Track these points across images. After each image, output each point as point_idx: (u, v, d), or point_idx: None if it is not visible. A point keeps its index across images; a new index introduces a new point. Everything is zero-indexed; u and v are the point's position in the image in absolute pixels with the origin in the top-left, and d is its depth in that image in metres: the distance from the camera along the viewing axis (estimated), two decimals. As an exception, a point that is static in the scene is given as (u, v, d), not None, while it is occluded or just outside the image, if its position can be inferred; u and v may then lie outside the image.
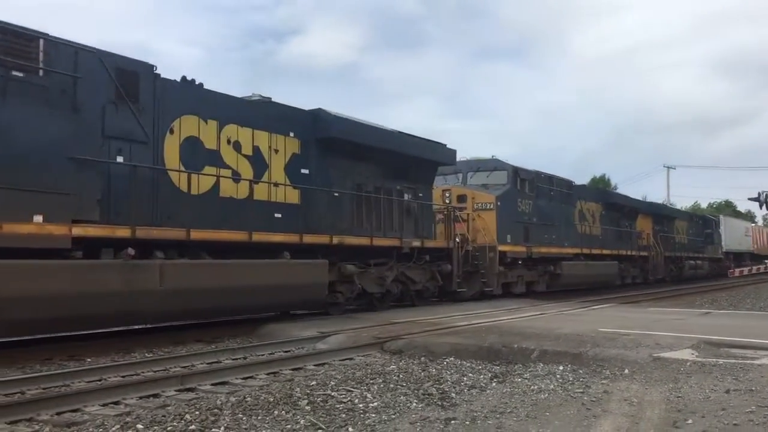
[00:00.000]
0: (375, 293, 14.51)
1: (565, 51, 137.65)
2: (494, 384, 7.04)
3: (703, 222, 40.84)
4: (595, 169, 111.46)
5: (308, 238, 12.50)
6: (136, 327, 11.09)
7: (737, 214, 70.25)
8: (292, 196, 12.61)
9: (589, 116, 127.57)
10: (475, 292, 17.93)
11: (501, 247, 18.76)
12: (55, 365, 8.35)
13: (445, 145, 17.19)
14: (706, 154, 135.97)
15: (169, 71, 10.94)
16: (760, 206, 18.45)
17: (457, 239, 17.33)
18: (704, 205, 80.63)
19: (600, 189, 27.49)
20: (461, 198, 19.34)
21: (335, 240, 13.09)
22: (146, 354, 9.29)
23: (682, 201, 72.54)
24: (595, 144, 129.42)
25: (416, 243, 15.55)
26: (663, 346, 8.69)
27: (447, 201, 18.72)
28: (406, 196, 15.92)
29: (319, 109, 13.55)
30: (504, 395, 6.40)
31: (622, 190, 54.54)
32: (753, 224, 57.26)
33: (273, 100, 12.79)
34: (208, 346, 10.07)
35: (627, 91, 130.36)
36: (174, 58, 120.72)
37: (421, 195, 16.52)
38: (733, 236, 44.86)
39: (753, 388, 6.41)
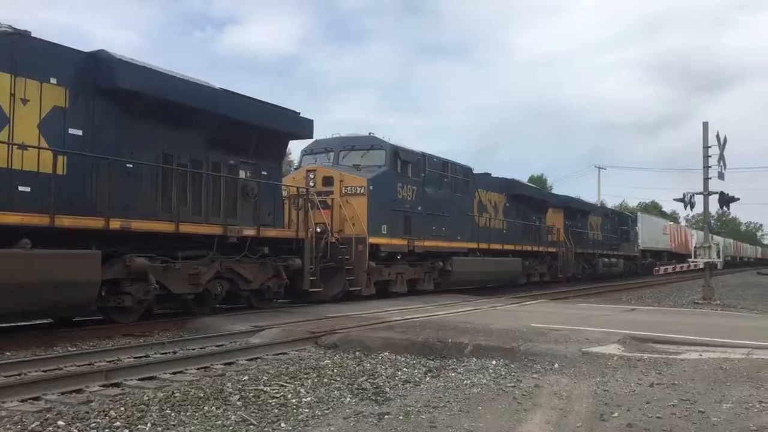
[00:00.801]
0: (186, 294, 11.65)
1: (506, 51, 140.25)
2: (428, 379, 7.06)
3: (619, 218, 39.71)
4: (531, 168, 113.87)
5: (67, 221, 9.39)
6: (58, 319, 10.66)
7: (662, 215, 72.82)
8: (51, 163, 9.28)
9: (526, 116, 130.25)
10: (337, 293, 15.36)
11: (373, 240, 16.08)
12: (-29, 359, 7.95)
13: (299, 113, 14.26)
14: (637, 156, 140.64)
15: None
16: (685, 207, 19.13)
17: (317, 229, 14.75)
18: (633, 204, 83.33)
19: (504, 179, 24.70)
20: (327, 180, 16.46)
21: (115, 224, 10.00)
22: (69, 348, 8.96)
23: (612, 201, 74.84)
24: (531, 143, 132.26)
25: (249, 232, 12.60)
26: (591, 341, 8.91)
27: (311, 184, 16.02)
28: (242, 174, 13.13)
29: (102, 50, 10.50)
30: (438, 390, 6.43)
31: (557, 189, 55.72)
32: (671, 223, 57.00)
33: (34, 35, 9.70)
34: (137, 340, 9.77)
35: (564, 92, 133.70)
36: (110, 43, 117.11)
37: (265, 173, 13.59)
38: (650, 234, 44.34)
39: (675, 382, 6.64)
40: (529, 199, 26.37)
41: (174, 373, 7.20)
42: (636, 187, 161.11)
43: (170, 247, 11.23)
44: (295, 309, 13.23)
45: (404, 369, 7.60)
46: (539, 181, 70.08)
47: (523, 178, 39.65)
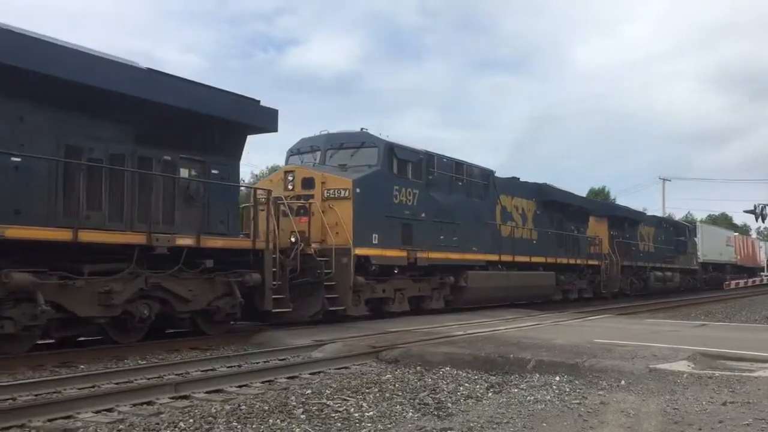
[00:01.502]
0: (96, 318, 9.50)
1: (563, 63, 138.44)
2: (490, 394, 7.00)
3: (675, 228, 36.18)
4: (592, 181, 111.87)
5: None
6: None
7: (733, 227, 70.20)
8: None
9: (587, 128, 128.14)
10: (314, 313, 13.06)
11: (360, 251, 13.70)
12: (48, 372, 8.28)
13: (259, 101, 12.03)
14: (702, 167, 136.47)
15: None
16: (756, 219, 18.40)
17: (291, 239, 12.81)
18: (701, 216, 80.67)
19: (535, 184, 22.13)
20: (307, 182, 14.19)
21: None
22: (140, 361, 9.23)
23: (678, 213, 72.63)
24: (592, 156, 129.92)
25: (184, 241, 10.33)
26: (659, 357, 8.67)
27: (290, 186, 14.18)
28: (184, 173, 10.95)
29: None
30: (500, 405, 6.37)
31: (620, 201, 54.28)
32: (736, 234, 52.61)
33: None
34: (203, 353, 10.01)
35: (624, 103, 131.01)
36: (176, 66, 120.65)
37: (216, 172, 11.40)
38: (712, 245, 40.63)
39: (750, 401, 6.39)
40: (565, 207, 23.50)
41: (240, 386, 7.35)
42: (703, 198, 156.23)
43: (74, 261, 9.23)
44: (357, 324, 13.29)
45: (466, 384, 7.55)
46: (601, 194, 67.70)
47: (583, 191, 38.01)
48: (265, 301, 11.71)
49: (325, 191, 14.06)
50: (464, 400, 6.67)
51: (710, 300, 28.36)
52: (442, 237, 16.30)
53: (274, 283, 11.89)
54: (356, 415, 5.93)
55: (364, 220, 14.02)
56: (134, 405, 6.35)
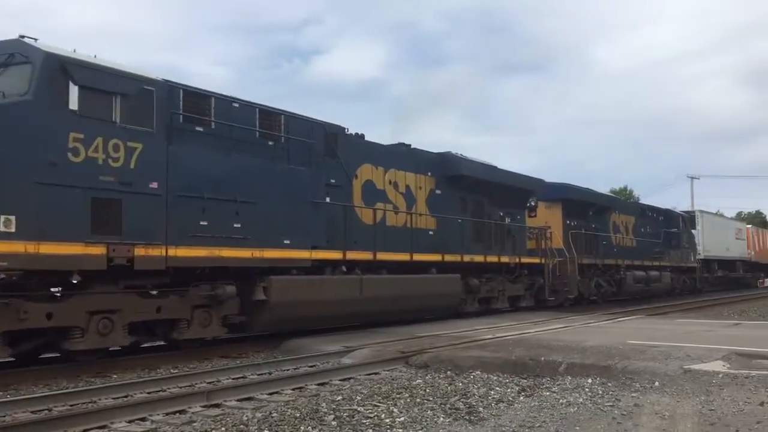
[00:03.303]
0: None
1: (588, 64, 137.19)
2: (522, 398, 6.95)
3: (666, 218, 29.69)
4: (619, 181, 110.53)
5: None
6: (160, 343, 11.10)
7: (765, 224, 68.33)
8: None
9: (612, 129, 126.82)
10: None
11: None
12: (82, 382, 8.39)
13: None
14: (732, 164, 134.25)
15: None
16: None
17: None
18: (730, 215, 79.21)
19: (435, 154, 16.17)
20: None
21: None
22: (171, 370, 9.31)
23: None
24: (618, 156, 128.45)
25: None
26: (693, 357, 8.54)
27: None
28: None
29: None
30: (532, 409, 6.31)
31: (647, 201, 52.62)
32: (750, 226, 44.99)
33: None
34: (234, 361, 10.07)
35: (650, 103, 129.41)
36: (205, 79, 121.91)
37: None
38: (717, 238, 34.39)
39: (789, 401, 6.27)
40: (486, 186, 17.23)
41: (270, 394, 7.38)
42: (733, 196, 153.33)
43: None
44: (383, 329, 13.26)
45: (497, 388, 7.49)
46: (622, 193, 65.42)
47: (605, 190, 33.48)
48: None
49: None
50: (496, 404, 6.63)
51: (744, 299, 27.84)
52: (205, 223, 10.26)
53: None
54: (387, 420, 5.92)
55: None
56: (167, 414, 6.41)
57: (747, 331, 12.52)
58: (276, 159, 11.67)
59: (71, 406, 6.87)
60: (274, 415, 6.18)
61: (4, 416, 6.33)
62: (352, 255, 12.87)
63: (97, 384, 8.05)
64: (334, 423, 5.85)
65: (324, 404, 6.62)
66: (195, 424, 6.01)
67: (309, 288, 11.91)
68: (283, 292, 11.23)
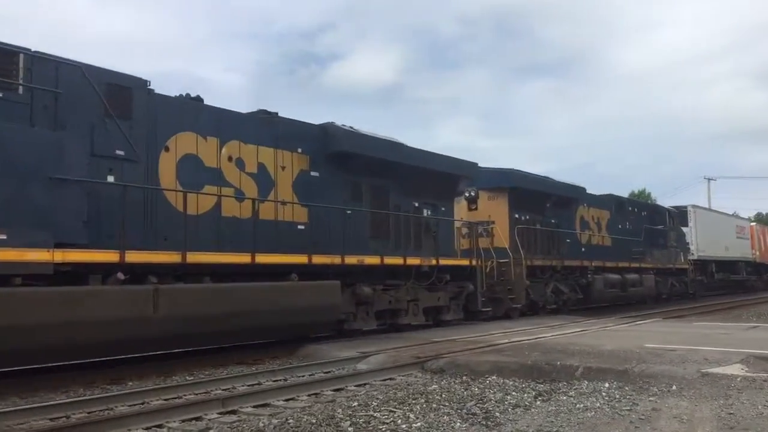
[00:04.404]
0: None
1: (603, 67, 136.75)
2: (539, 402, 6.91)
3: (649, 213, 26.20)
4: (635, 183, 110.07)
5: None
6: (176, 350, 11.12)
7: None
8: None
9: (629, 131, 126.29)
10: None
11: None
12: (99, 389, 8.43)
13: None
14: (750, 165, 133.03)
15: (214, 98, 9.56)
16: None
17: None
18: (746, 215, 78.36)
19: (311, 125, 12.61)
20: None
21: None
22: (187, 377, 9.34)
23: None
24: (635, 158, 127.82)
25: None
26: (711, 361, 8.47)
27: None
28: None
29: None
30: (549, 414, 6.28)
31: (663, 202, 51.30)
32: (753, 223, 40.76)
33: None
34: (249, 368, 10.09)
35: (666, 105, 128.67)
36: (219, 85, 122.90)
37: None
38: (712, 237, 30.51)
39: (809, 404, 6.20)
40: (393, 168, 13.69)
41: (287, 400, 7.38)
42: (751, 198, 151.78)
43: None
44: (398, 335, 13.25)
45: (513, 393, 7.46)
46: (641, 195, 64.84)
47: (624, 192, 31.48)
48: None
49: None
50: (512, 409, 6.60)
51: (763, 301, 27.54)
52: None
53: None
54: (403, 426, 5.91)
55: None
56: (183, 421, 6.43)
57: (765, 334, 12.39)
58: (4, 116, 8.12)
59: (89, 413, 6.90)
60: (291, 421, 6.19)
61: (23, 423, 6.37)
62: (139, 257, 9.07)
63: (114, 391, 8.09)
64: (350, 429, 5.84)
65: (340, 410, 6.62)
66: (211, 430, 6.03)
67: (40, 307, 7.89)
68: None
